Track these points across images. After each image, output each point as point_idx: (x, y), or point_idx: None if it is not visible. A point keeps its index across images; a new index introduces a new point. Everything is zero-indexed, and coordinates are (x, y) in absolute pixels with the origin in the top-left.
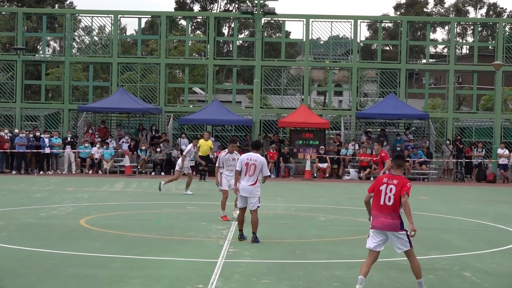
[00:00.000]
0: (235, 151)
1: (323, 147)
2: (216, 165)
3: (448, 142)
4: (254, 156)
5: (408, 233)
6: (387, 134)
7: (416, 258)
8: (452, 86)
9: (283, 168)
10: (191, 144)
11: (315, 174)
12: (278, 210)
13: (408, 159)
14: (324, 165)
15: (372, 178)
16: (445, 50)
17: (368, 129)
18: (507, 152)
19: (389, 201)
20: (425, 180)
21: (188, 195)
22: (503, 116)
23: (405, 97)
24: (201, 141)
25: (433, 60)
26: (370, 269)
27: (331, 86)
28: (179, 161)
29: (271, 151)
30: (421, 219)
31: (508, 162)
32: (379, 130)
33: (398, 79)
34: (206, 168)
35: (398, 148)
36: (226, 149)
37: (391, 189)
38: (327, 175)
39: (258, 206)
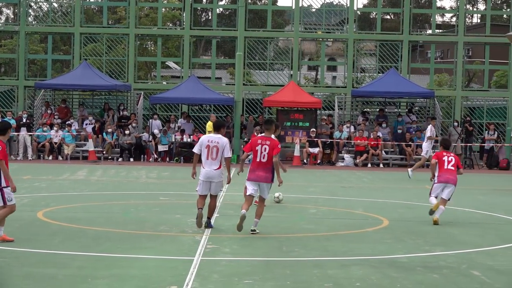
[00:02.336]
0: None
1: (314, 129)
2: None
3: (456, 123)
4: (215, 138)
5: (278, 185)
6: (387, 114)
7: (264, 206)
8: (461, 60)
9: None
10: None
11: (305, 160)
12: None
13: (410, 143)
14: (315, 150)
15: (369, 165)
16: (454, 19)
17: (365, 109)
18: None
19: (263, 158)
20: (429, 167)
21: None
22: None
23: (407, 72)
24: (210, 123)
25: (440, 30)
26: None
27: (324, 60)
28: None
29: (255, 134)
30: (424, 211)
31: None
32: (377, 110)
33: (400, 53)
34: None
35: (399, 131)
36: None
37: (265, 148)
38: (318, 161)
39: (221, 190)
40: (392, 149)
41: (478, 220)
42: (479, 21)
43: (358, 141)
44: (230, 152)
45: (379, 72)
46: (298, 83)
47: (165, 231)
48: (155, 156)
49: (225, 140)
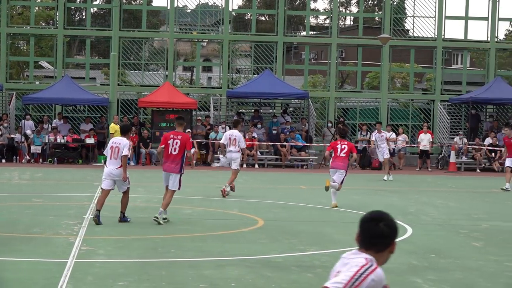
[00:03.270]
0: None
1: (189, 130)
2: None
3: (329, 124)
4: (118, 140)
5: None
6: (262, 115)
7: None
8: (335, 61)
9: (144, 154)
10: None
11: None
12: (138, 202)
13: (285, 144)
14: (191, 151)
15: (244, 165)
16: (327, 21)
17: (240, 110)
18: (394, 135)
19: (174, 151)
20: (304, 167)
21: None
22: (390, 95)
23: (282, 73)
24: (113, 125)
25: (314, 32)
26: (242, 268)
27: (199, 61)
28: None
29: (131, 135)
30: (299, 211)
31: (395, 146)
32: (252, 111)
33: (275, 54)
34: None
35: (274, 131)
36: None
37: (177, 142)
38: (194, 161)
39: (128, 187)
40: (267, 150)
41: (352, 220)
42: (352, 23)
43: None
44: (127, 151)
45: (254, 73)
46: (173, 83)
47: (38, 233)
48: (28, 157)
49: (126, 141)
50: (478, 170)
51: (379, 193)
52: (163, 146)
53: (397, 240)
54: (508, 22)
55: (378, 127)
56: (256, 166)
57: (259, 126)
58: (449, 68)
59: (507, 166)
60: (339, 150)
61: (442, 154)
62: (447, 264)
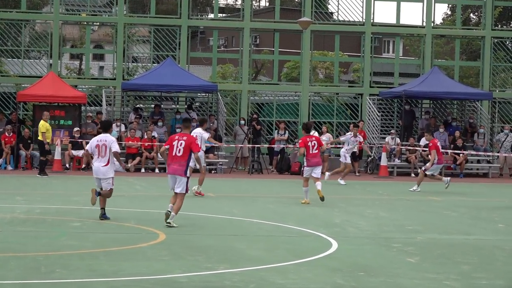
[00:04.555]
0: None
1: (78, 128)
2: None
3: (242, 122)
4: (103, 137)
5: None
6: (163, 111)
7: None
8: (248, 49)
9: (24, 157)
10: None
11: (67, 165)
12: (17, 214)
13: None
14: (80, 153)
15: (143, 170)
16: (239, 2)
17: (138, 105)
18: (316, 134)
19: (179, 152)
20: (213, 171)
21: None
22: (312, 88)
23: (186, 63)
24: (43, 123)
25: (223, 15)
26: None
27: (89, 48)
28: None
29: (7, 134)
30: (207, 223)
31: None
32: (152, 106)
33: (178, 40)
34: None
35: (178, 130)
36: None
37: (181, 143)
38: (83, 166)
39: (112, 188)
40: None
41: (267, 233)
42: (267, 4)
43: (130, 142)
44: (117, 147)
45: (154, 62)
46: (58, 74)
47: None
48: None
49: (112, 138)
50: (412, 175)
51: (298, 202)
52: (167, 146)
53: (319, 255)
54: (446, 5)
55: (355, 131)
56: (157, 170)
57: (160, 124)
58: (379, 57)
59: (430, 174)
60: (311, 147)
61: (372, 156)
62: (378, 283)
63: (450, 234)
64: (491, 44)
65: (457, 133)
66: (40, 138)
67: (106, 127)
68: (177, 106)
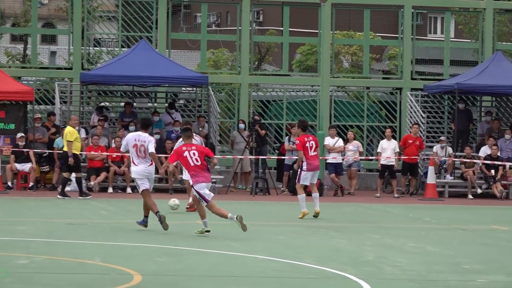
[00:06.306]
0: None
1: (23, 135)
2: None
3: (242, 125)
4: (142, 137)
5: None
6: (136, 112)
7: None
8: (248, 28)
9: None
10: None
11: (9, 183)
12: None
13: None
14: (26, 167)
15: (110, 189)
16: None
17: (102, 103)
18: (340, 143)
19: (197, 161)
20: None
21: None
22: (333, 81)
23: (167, 47)
24: (70, 129)
25: None
26: None
27: (36, 27)
28: None
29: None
30: (196, 259)
31: (343, 159)
32: (122, 104)
33: (155, 16)
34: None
35: (157, 137)
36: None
37: (194, 153)
38: (31, 184)
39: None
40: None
41: (277, 273)
42: None
43: (93, 152)
44: (153, 148)
45: (123, 46)
46: None
47: None
48: None
49: (150, 138)
50: (470, 196)
51: (319, 231)
52: (174, 164)
53: None
54: None
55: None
56: (129, 190)
57: (132, 128)
58: (424, 40)
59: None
60: (309, 148)
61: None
62: None
63: None
64: None
65: None
66: (65, 148)
67: (146, 125)
68: (155, 104)
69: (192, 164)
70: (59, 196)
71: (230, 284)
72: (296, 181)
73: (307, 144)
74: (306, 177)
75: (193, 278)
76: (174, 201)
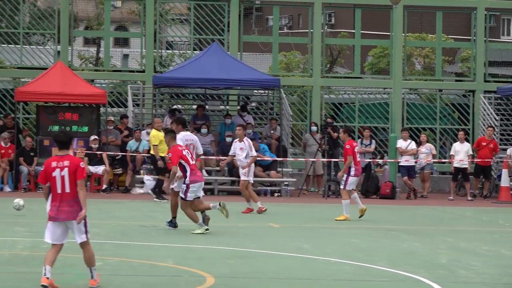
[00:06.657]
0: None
1: (96, 137)
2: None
3: (314, 128)
4: (189, 136)
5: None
6: (209, 114)
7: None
8: (320, 31)
9: (25, 175)
10: None
11: None
12: (18, 250)
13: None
14: (100, 169)
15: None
16: None
17: (175, 106)
18: (413, 145)
19: (193, 160)
20: (276, 194)
21: None
22: (406, 83)
23: (238, 50)
24: (156, 133)
25: None
26: None
27: (109, 30)
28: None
29: (2, 144)
30: (268, 262)
31: (416, 162)
32: (194, 107)
33: (227, 19)
34: None
35: (229, 139)
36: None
37: (188, 152)
38: (104, 186)
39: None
40: (218, 168)
41: (350, 276)
42: None
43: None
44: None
45: (195, 49)
46: (69, 64)
47: None
48: None
49: (195, 137)
50: None
51: (390, 234)
52: (177, 165)
53: None
54: None
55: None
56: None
57: (204, 130)
58: (497, 41)
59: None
60: (357, 153)
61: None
62: None
63: None
64: None
65: None
66: (152, 152)
67: (183, 123)
68: (227, 107)
69: (192, 162)
70: (155, 200)
71: (303, 287)
72: (342, 187)
73: (356, 149)
74: (353, 182)
75: (265, 281)
76: (18, 201)
